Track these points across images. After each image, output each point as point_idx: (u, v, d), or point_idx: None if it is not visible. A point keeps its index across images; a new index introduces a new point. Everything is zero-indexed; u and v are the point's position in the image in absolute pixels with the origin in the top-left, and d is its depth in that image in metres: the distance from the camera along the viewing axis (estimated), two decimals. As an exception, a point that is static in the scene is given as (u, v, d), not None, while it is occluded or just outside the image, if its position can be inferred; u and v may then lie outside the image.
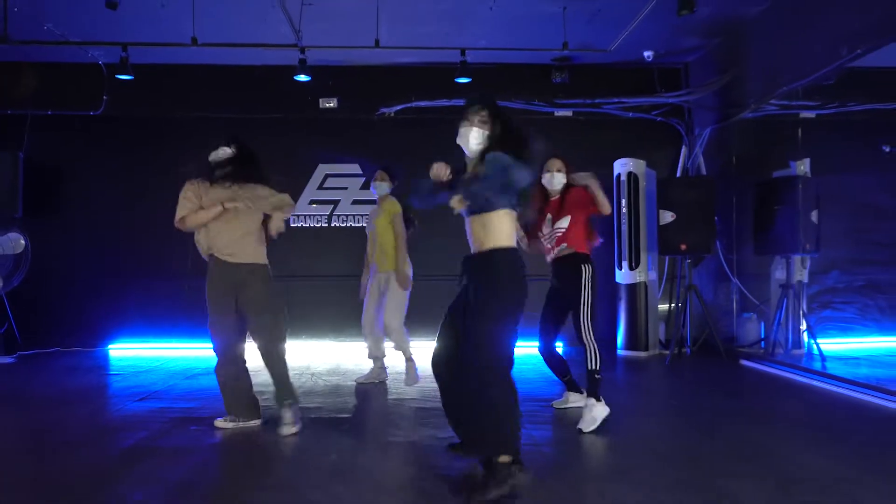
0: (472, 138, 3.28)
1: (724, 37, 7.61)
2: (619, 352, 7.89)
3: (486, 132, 3.25)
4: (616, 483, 3.24)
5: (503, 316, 3.10)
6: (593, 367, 4.42)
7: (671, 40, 7.68)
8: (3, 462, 3.70)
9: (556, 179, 4.64)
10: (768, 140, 7.82)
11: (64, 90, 8.45)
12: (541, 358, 4.81)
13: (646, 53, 7.92)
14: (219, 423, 4.34)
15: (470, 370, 3.08)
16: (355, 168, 8.48)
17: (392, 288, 5.62)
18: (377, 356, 5.91)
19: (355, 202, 8.48)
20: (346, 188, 8.49)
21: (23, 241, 7.47)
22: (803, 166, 7.47)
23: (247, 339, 4.34)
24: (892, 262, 7.97)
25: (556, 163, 4.69)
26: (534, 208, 4.77)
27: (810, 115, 7.89)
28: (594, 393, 4.39)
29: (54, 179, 8.50)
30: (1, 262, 7.44)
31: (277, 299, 4.36)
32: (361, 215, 8.37)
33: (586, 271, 4.50)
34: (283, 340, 4.30)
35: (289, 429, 4.14)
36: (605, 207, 4.57)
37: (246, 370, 4.36)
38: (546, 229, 4.67)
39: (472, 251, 3.27)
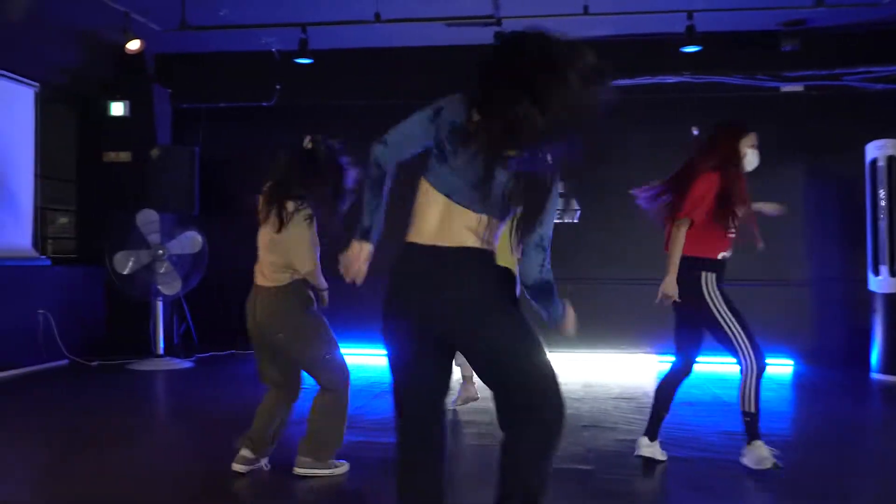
0: None
1: None
2: (874, 375, 6.53)
3: None
4: None
5: None
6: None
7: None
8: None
9: (756, 160, 3.71)
10: None
11: (236, 81, 8.10)
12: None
13: (909, 9, 6.47)
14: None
15: None
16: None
17: None
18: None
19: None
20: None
21: (200, 240, 7.13)
22: None
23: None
24: None
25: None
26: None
27: None
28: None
29: (227, 175, 8.17)
30: (179, 262, 7.14)
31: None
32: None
33: None
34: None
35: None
36: None
37: None
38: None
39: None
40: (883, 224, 6.40)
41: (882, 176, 6.42)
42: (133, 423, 4.72)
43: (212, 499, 3.32)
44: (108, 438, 4.19)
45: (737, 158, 3.64)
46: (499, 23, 6.28)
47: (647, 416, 4.19)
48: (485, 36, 6.47)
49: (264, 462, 3.59)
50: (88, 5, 6.47)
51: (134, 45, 6.61)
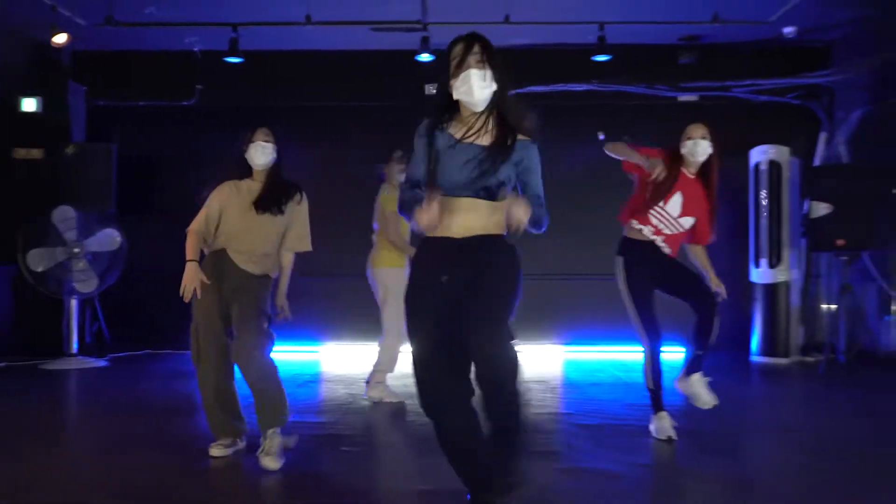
0: (477, 84, 2.49)
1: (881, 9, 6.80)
2: (754, 358, 7.18)
3: (490, 74, 2.51)
4: None
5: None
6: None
7: (819, 14, 6.90)
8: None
9: (700, 148, 3.86)
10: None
11: (156, 80, 8.06)
12: None
13: (786, 30, 7.16)
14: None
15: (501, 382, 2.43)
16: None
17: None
18: None
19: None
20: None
21: (118, 239, 7.07)
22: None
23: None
24: None
25: (701, 128, 3.91)
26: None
27: None
28: None
29: (146, 174, 8.13)
30: (96, 259, 7.06)
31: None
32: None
33: None
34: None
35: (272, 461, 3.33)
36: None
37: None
38: (671, 209, 3.87)
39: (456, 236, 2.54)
40: (764, 221, 7.09)
41: (764, 178, 7.11)
42: (52, 422, 4.65)
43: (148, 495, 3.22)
44: (27, 439, 4.03)
45: (678, 151, 3.97)
46: (425, 28, 6.55)
47: (557, 398, 4.60)
48: (411, 41, 6.73)
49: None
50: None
51: (61, 38, 6.49)
